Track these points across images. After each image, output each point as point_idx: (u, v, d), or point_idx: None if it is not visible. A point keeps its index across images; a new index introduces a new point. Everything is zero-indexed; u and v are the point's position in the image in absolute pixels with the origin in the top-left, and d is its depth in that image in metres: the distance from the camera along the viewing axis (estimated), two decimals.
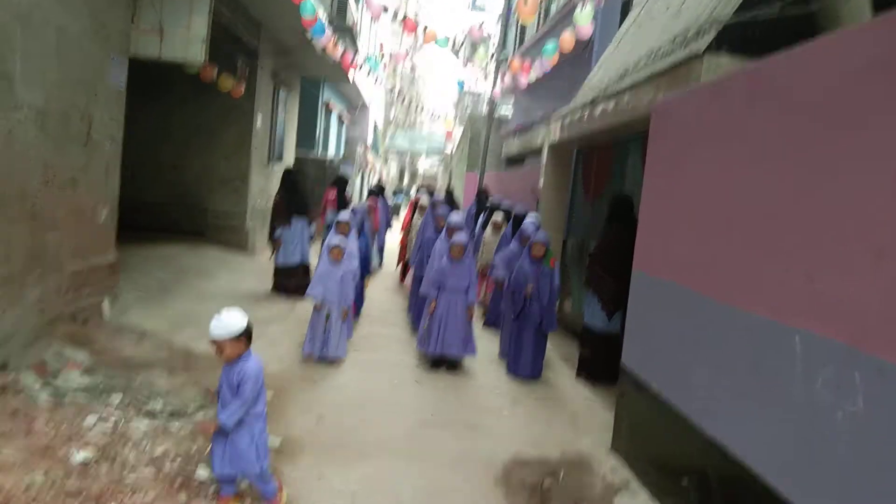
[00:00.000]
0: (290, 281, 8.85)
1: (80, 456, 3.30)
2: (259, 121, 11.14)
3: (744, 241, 3.24)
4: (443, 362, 6.50)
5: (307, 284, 8.75)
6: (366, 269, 8.08)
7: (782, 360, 2.85)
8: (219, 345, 3.15)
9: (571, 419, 5.42)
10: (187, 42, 6.55)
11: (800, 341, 2.75)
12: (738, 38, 4.92)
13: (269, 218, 9.01)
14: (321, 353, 6.20)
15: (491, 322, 8.53)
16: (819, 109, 2.76)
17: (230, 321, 3.15)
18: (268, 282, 9.24)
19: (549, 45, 9.67)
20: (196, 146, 10.80)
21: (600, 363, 6.28)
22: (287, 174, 9.06)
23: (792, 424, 2.76)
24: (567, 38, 8.99)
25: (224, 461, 3.19)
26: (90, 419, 3.79)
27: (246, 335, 3.21)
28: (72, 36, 5.06)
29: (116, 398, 4.33)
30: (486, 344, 7.51)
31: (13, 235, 4.48)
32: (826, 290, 2.63)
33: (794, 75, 2.97)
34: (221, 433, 3.18)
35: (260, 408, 3.26)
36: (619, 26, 9.09)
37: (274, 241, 8.74)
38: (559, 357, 7.37)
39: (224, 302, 7.71)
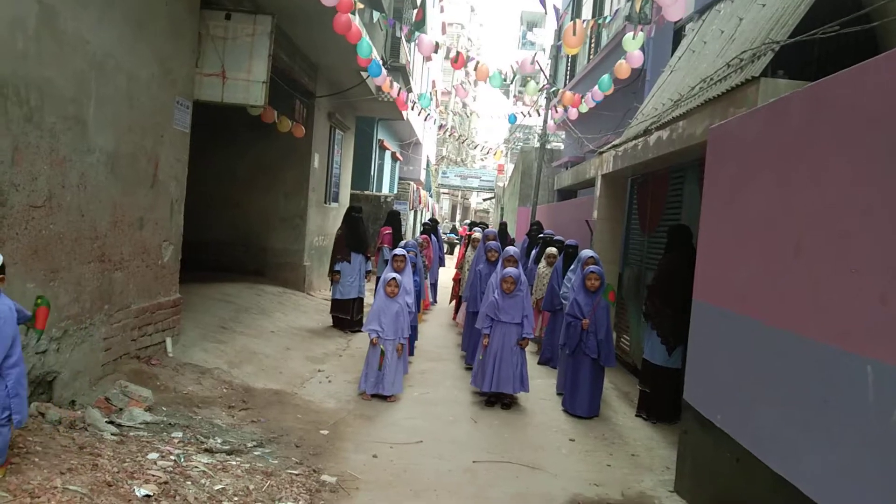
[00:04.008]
0: (347, 314, 9.10)
1: (142, 491, 3.36)
2: (316, 161, 11.43)
3: (811, 264, 3.10)
4: (498, 400, 6.39)
5: (360, 318, 8.89)
6: (418, 306, 8.09)
7: (854, 392, 2.69)
8: None
9: (632, 458, 5.23)
10: (248, 85, 6.80)
11: (872, 372, 2.59)
12: (795, 60, 4.79)
13: (331, 252, 9.38)
14: (376, 390, 6.19)
15: (546, 359, 8.38)
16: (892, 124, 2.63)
17: None
18: (324, 319, 9.40)
19: (605, 78, 9.62)
20: (257, 186, 11.13)
21: (661, 400, 6.07)
22: (350, 211, 9.51)
23: (867, 461, 2.59)
24: (622, 67, 8.96)
25: None
26: (152, 455, 3.87)
27: None
28: (141, 81, 5.33)
29: (178, 435, 4.41)
30: (543, 381, 7.38)
31: (83, 275, 4.67)
32: None
33: (864, 90, 2.85)
34: None
35: (12, 360, 2.98)
36: (672, 54, 9.01)
37: (333, 275, 8.99)
38: (618, 394, 7.16)
39: (282, 339, 7.89)
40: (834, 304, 2.89)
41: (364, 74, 10.40)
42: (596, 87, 9.86)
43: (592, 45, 14.75)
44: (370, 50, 8.66)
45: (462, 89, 12.34)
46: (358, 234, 9.26)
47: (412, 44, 9.51)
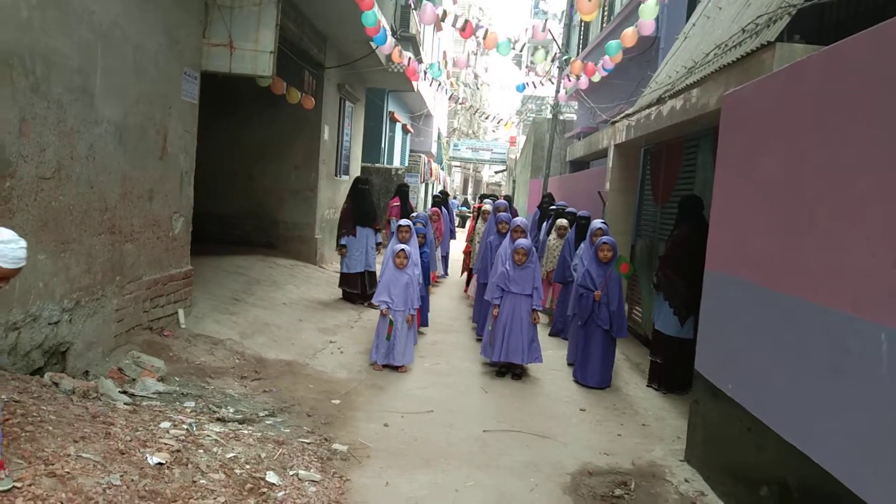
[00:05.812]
0: (355, 288, 9.06)
1: (154, 459, 3.40)
2: (326, 133, 11.36)
3: (825, 230, 3.05)
4: (508, 370, 6.41)
5: (372, 292, 8.89)
6: (427, 279, 8.06)
7: (867, 359, 2.66)
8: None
9: (643, 428, 5.24)
10: (256, 55, 6.74)
11: (885, 339, 2.55)
12: (811, 25, 4.66)
13: (338, 226, 9.27)
14: (387, 360, 6.22)
15: (557, 330, 8.37)
16: None
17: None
18: (335, 291, 9.42)
19: (613, 44, 9.45)
20: (267, 158, 11.10)
21: (673, 370, 6.06)
22: (356, 183, 9.36)
23: (880, 430, 2.56)
24: (629, 34, 8.77)
25: None
26: (165, 424, 3.91)
27: None
28: (149, 52, 5.28)
29: (190, 404, 4.46)
30: (554, 352, 7.38)
31: (94, 247, 4.69)
32: None
33: (883, 53, 2.76)
34: None
35: None
36: (686, 20, 8.82)
37: (340, 248, 8.96)
38: (629, 365, 7.16)
39: (294, 311, 7.93)
40: (848, 270, 2.85)
41: (374, 44, 10.27)
42: (608, 54, 9.67)
43: (606, 13, 14.48)
44: (376, 19, 8.53)
45: (464, 61, 12.12)
46: (364, 208, 9.13)
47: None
